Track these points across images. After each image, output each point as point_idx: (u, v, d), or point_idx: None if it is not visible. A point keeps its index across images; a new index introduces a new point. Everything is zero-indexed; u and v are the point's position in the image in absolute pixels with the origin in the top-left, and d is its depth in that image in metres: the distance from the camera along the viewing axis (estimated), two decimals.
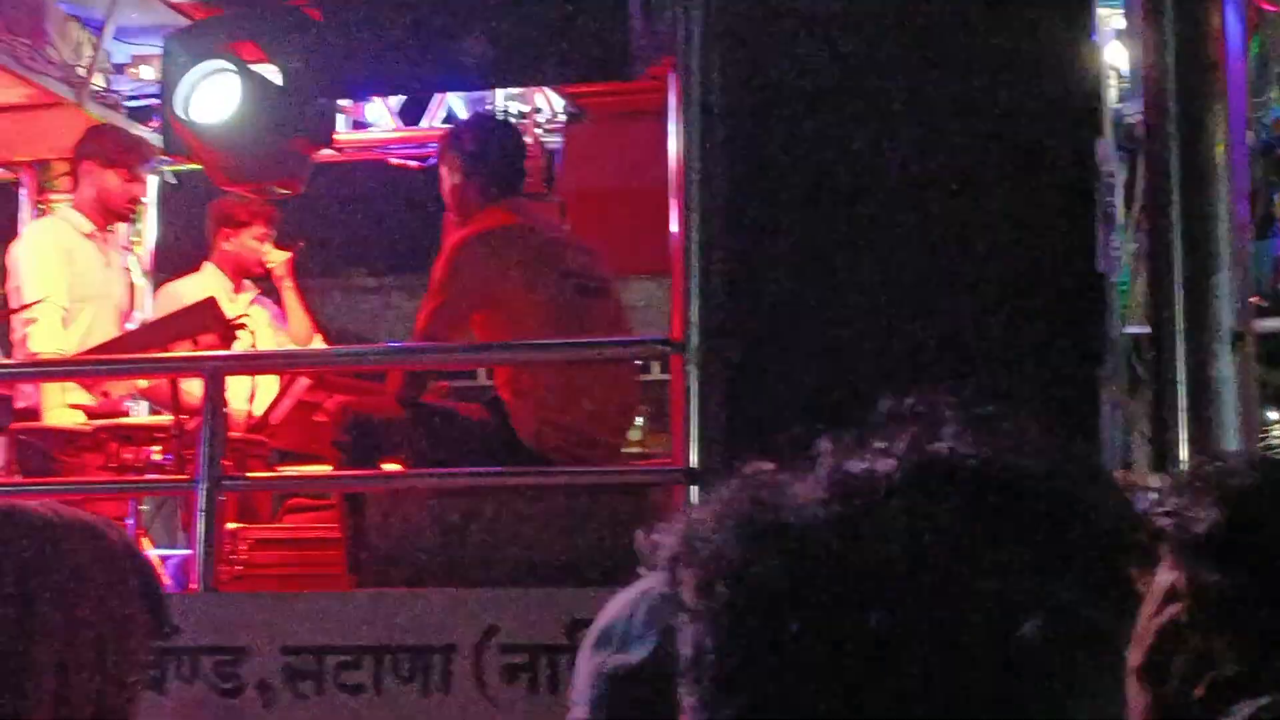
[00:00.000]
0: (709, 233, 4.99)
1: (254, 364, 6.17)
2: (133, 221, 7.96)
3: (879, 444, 1.14)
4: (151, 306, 7.90)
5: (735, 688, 1.09)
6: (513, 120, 8.04)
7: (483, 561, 5.26)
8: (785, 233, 5.00)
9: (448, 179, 5.91)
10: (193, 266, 7.59)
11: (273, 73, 5.77)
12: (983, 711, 1.06)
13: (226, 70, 5.64)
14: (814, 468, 1.16)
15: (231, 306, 7.24)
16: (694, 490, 4.88)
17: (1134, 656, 1.70)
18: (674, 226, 5.03)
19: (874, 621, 1.05)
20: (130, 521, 6.27)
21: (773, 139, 5.01)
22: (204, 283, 7.38)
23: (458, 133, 6.13)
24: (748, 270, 5.03)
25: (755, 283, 5.02)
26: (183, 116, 5.67)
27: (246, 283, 7.55)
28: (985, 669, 1.06)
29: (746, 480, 1.16)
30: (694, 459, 4.89)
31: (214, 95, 5.66)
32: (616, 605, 1.60)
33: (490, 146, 5.94)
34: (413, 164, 8.60)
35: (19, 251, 6.78)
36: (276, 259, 7.20)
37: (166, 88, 5.84)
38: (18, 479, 6.35)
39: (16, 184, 8.56)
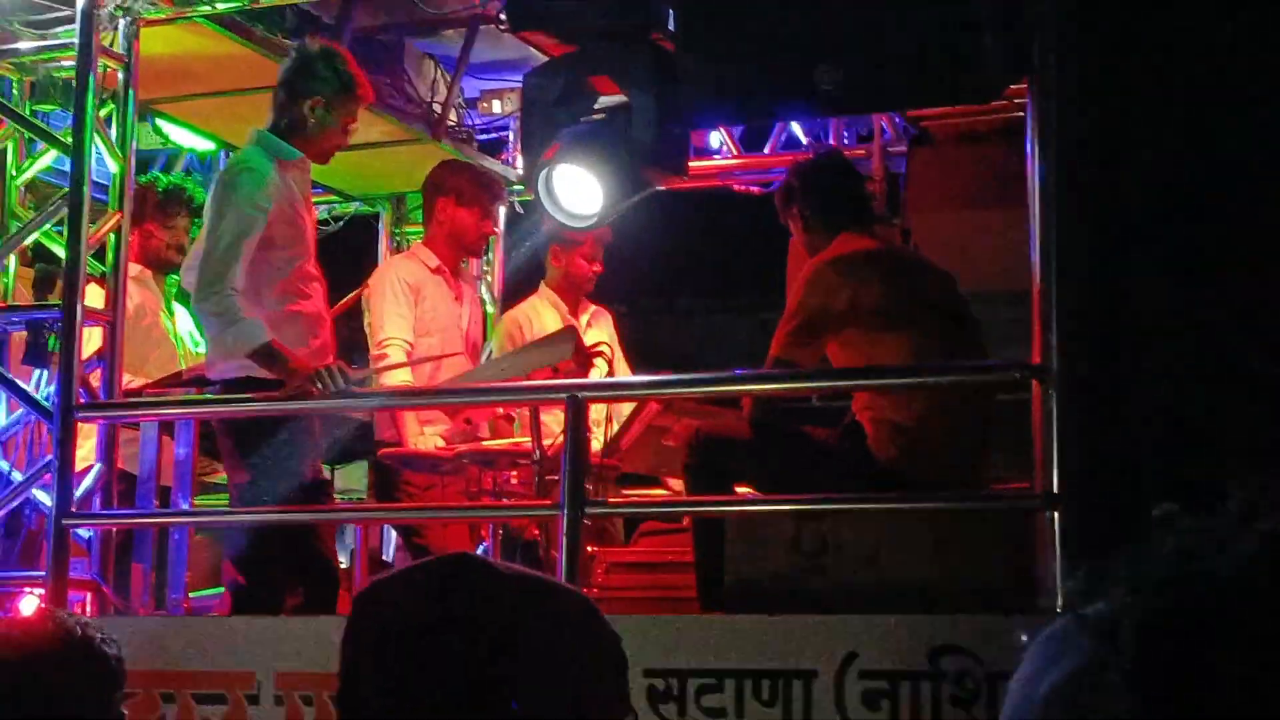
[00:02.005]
0: (1070, 255, 4.91)
1: (614, 391, 6.26)
2: (482, 255, 8.19)
3: None
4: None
5: None
6: (853, 145, 8.07)
7: (839, 587, 5.25)
8: (1149, 253, 4.90)
9: (793, 222, 5.96)
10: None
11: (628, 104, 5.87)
12: None
13: (584, 102, 5.75)
14: (1216, 514, 1.16)
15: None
16: (1055, 516, 4.81)
17: None
18: (1034, 250, 4.96)
19: None
20: (486, 545, 6.44)
21: (1135, 158, 4.91)
22: (538, 306, 7.59)
23: (790, 178, 6.17)
24: (1110, 293, 4.95)
25: (1118, 305, 4.94)
26: (540, 149, 5.80)
27: (584, 300, 7.72)
28: None
29: (1175, 530, 1.15)
30: (1055, 484, 4.82)
31: (573, 128, 5.78)
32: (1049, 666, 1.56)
33: (824, 185, 5.97)
34: (755, 190, 8.67)
35: (371, 288, 7.04)
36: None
37: (526, 121, 6.00)
38: (376, 504, 6.57)
39: (375, 217, 8.90)
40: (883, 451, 5.49)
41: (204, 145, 8.55)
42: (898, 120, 7.93)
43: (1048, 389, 4.88)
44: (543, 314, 7.57)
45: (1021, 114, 5.29)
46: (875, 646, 4.88)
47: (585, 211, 5.89)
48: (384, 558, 7.47)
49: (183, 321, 7.73)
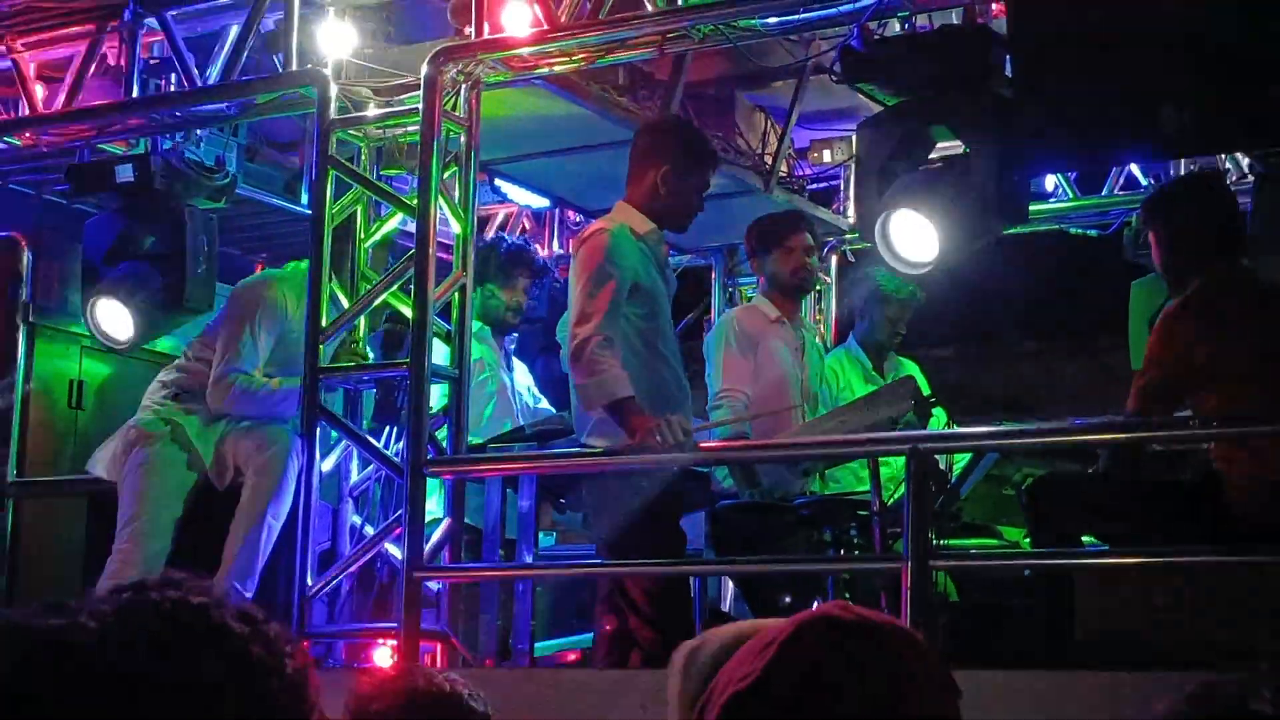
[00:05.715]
0: None
1: (955, 442, 6.17)
2: (812, 292, 8.17)
3: None
4: None
5: None
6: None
7: (1195, 643, 5.07)
8: None
9: (1155, 249, 5.69)
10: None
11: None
12: None
13: (921, 152, 5.72)
14: None
15: (865, 385, 7.36)
16: None
17: None
18: None
19: None
20: (817, 601, 6.40)
21: None
22: (844, 361, 7.56)
23: (1156, 201, 5.94)
24: None
25: None
26: (877, 199, 5.78)
27: (890, 355, 7.67)
28: None
29: None
30: None
31: (908, 178, 5.75)
32: None
33: (1187, 212, 5.67)
34: (1092, 233, 8.50)
35: (709, 341, 7.09)
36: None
37: (860, 172, 5.98)
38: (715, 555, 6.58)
39: (708, 269, 8.96)
40: (1243, 503, 5.24)
41: (540, 202, 8.74)
42: (1243, 156, 7.67)
43: None
44: (846, 371, 7.55)
45: None
46: None
47: (921, 258, 5.84)
48: (722, 608, 7.49)
49: (520, 376, 7.89)
